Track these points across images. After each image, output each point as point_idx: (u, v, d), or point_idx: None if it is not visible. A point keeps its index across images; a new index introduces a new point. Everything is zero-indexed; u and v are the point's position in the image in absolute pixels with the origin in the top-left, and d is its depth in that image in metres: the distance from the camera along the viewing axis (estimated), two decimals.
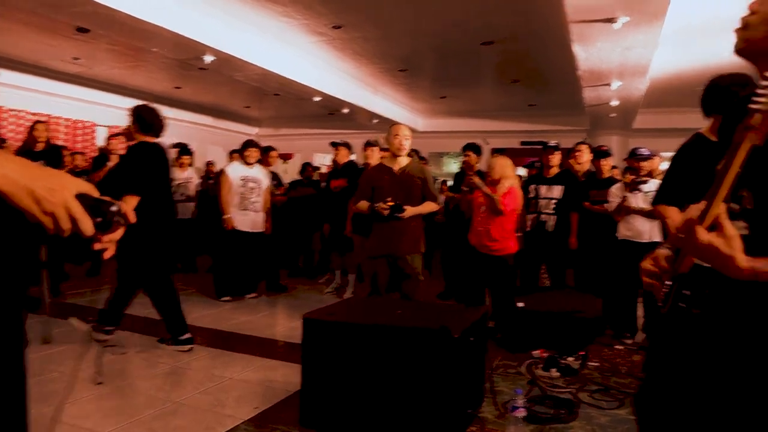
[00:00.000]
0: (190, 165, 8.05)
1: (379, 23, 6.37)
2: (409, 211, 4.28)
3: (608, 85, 7.47)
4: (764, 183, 1.27)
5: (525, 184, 5.73)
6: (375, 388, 2.87)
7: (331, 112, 10.94)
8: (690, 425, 1.43)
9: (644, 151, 5.01)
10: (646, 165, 4.99)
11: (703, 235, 1.12)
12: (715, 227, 1.12)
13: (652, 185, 4.88)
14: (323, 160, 11.46)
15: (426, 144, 10.76)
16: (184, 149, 7.98)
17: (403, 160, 4.42)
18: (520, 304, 4.72)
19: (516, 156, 8.75)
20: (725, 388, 1.35)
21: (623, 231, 4.97)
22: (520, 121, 11.86)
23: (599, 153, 5.66)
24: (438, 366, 2.77)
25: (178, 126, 11.95)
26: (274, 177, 7.27)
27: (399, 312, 3.25)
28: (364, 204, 4.41)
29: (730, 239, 1.11)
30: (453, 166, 12.57)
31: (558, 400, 3.62)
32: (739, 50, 1.37)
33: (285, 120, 13.56)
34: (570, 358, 4.34)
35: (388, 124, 11.40)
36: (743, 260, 1.12)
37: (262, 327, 5.24)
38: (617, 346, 4.96)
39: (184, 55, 7.09)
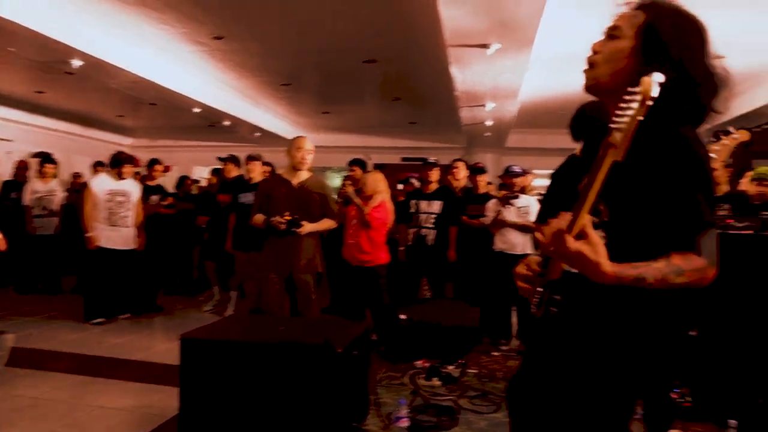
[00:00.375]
0: (55, 176, 7.42)
1: (261, 37, 6.30)
2: (307, 227, 4.15)
3: (483, 106, 7.91)
4: (618, 197, 1.40)
5: (406, 199, 5.90)
6: (258, 407, 2.80)
7: (211, 124, 10.59)
8: (552, 419, 1.54)
9: (517, 169, 5.35)
10: (518, 181, 5.33)
11: (572, 243, 1.22)
12: (582, 236, 1.23)
13: (525, 201, 5.25)
14: (203, 173, 11.05)
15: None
16: (46, 158, 7.35)
17: (303, 174, 4.32)
18: (403, 317, 4.83)
19: (397, 171, 9.03)
20: (580, 380, 1.48)
21: (498, 244, 5.27)
22: (401, 137, 12.20)
23: (475, 170, 5.96)
24: (322, 381, 2.76)
25: (40, 133, 10.99)
26: (160, 190, 6.92)
27: (282, 328, 3.20)
28: (259, 218, 4.25)
29: (595, 246, 1.23)
30: (336, 180, 12.64)
31: (440, 408, 3.74)
32: (588, 87, 1.54)
33: (162, 131, 12.92)
34: (451, 367, 4.50)
35: (270, 138, 11.27)
36: (608, 266, 1.24)
37: (135, 350, 4.92)
38: (494, 353, 5.22)
39: (47, 57, 6.53)
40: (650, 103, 1.13)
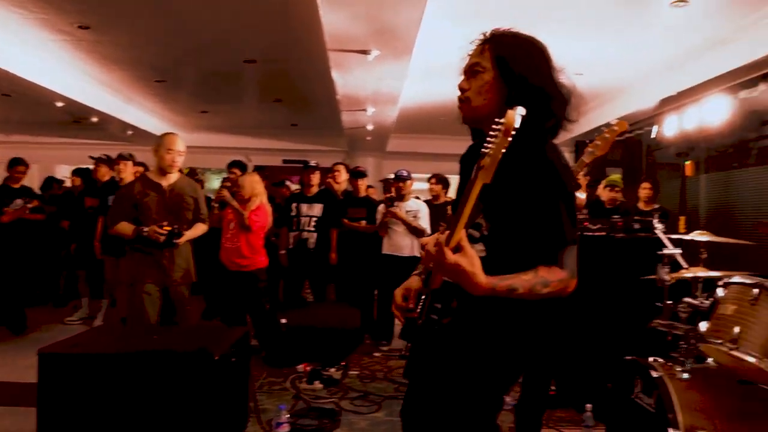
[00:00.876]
0: None
1: (133, 29, 5.94)
2: (185, 235, 3.85)
3: (364, 110, 8.03)
4: (495, 213, 1.54)
5: (286, 202, 5.84)
6: (130, 422, 2.64)
7: (76, 120, 9.80)
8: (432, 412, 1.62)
9: (404, 173, 5.49)
10: (407, 185, 5.47)
11: (450, 256, 1.31)
12: (459, 249, 1.33)
13: (414, 204, 5.42)
14: (67, 172, 10.19)
15: (186, 159, 10.26)
16: None
17: (173, 176, 3.93)
18: (283, 321, 4.78)
19: (278, 174, 8.91)
20: (456, 377, 1.57)
21: (386, 247, 5.40)
22: (282, 139, 12.06)
23: (355, 173, 6.04)
24: (198, 390, 2.66)
25: None
26: (26, 192, 6.23)
27: (155, 337, 3.05)
28: (126, 227, 3.77)
29: (471, 259, 1.33)
30: (215, 182, 12.22)
31: (322, 411, 3.75)
32: (466, 120, 1.67)
33: (18, 125, 11.71)
34: (332, 369, 4.53)
35: (143, 136, 10.63)
36: (483, 277, 1.34)
37: None
38: (375, 354, 5.32)
39: None
40: (513, 133, 1.26)
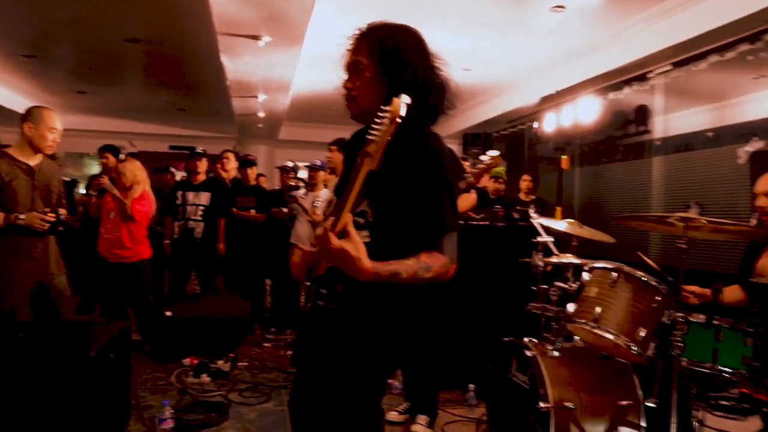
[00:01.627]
0: None
1: None
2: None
3: (255, 97, 7.83)
4: (380, 199, 1.57)
5: (172, 190, 5.59)
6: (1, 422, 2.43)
7: None
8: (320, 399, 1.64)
9: (317, 162, 5.39)
10: (320, 175, 5.35)
11: (335, 241, 1.33)
12: (344, 235, 1.34)
13: (325, 194, 5.36)
14: None
15: (62, 143, 9.52)
16: None
17: (38, 157, 3.47)
18: (168, 313, 4.59)
19: (165, 160, 8.48)
20: (341, 361, 1.60)
21: (293, 237, 5.32)
22: (169, 124, 11.48)
23: (245, 162, 5.91)
24: (73, 389, 2.50)
25: None
26: None
27: (21, 336, 2.82)
28: None
29: (356, 245, 1.35)
30: (95, 168, 11.44)
31: (209, 405, 3.67)
32: (355, 117, 1.68)
33: None
34: (220, 362, 4.43)
35: (7, 116, 9.66)
36: (367, 262, 1.37)
37: None
38: (265, 344, 5.27)
39: None
40: (399, 120, 1.30)
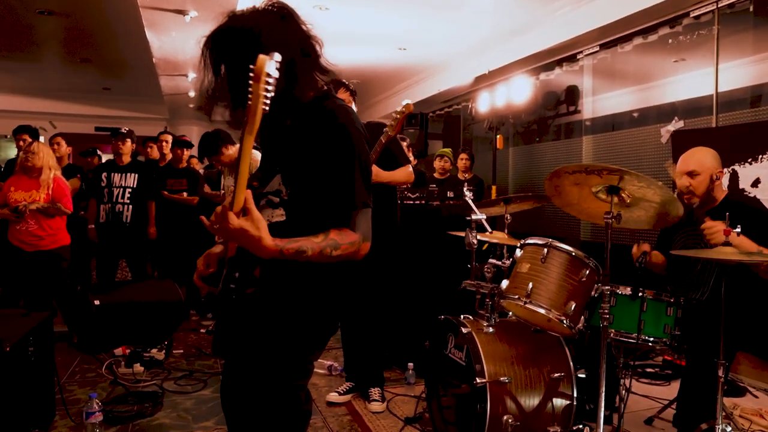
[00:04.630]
0: None
1: None
2: None
3: (185, 75, 7.55)
4: (292, 179, 1.52)
5: (95, 172, 5.32)
6: None
7: None
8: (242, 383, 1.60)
9: None
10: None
11: (234, 220, 1.27)
12: (245, 213, 1.29)
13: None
14: None
15: None
16: None
17: None
18: (96, 302, 4.39)
19: (91, 142, 8.06)
20: (260, 345, 1.56)
21: None
22: (94, 104, 10.90)
23: (180, 142, 5.69)
24: None
25: None
26: None
27: None
28: None
29: (257, 222, 1.29)
30: (12, 151, 10.76)
31: (142, 395, 3.55)
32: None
33: None
34: (154, 350, 4.29)
35: None
36: (269, 240, 1.32)
37: None
38: (202, 330, 5.14)
39: None
40: (269, 79, 1.23)
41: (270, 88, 1.24)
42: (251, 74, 1.22)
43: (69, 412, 3.12)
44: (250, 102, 1.24)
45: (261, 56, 1.22)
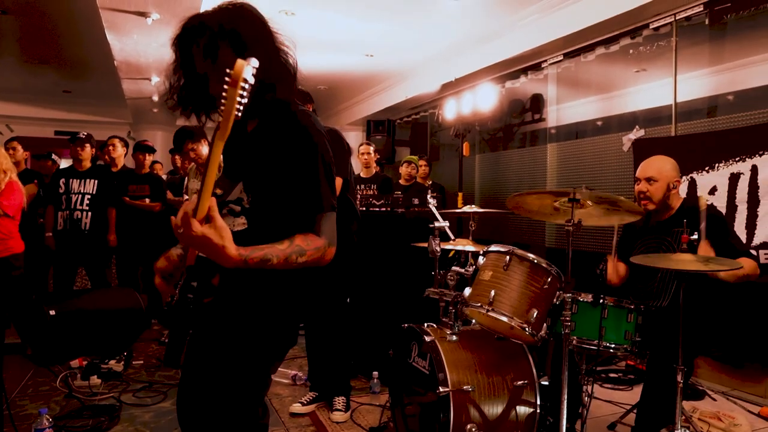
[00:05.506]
0: None
1: None
2: None
3: (148, 79, 7.40)
4: (254, 186, 1.49)
5: (53, 178, 5.16)
6: None
7: None
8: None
9: None
10: None
11: (197, 227, 1.23)
12: (208, 220, 1.24)
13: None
14: None
15: None
16: None
17: None
18: (52, 312, 4.24)
19: (50, 146, 7.82)
20: (219, 356, 1.52)
21: None
22: (53, 108, 10.60)
23: (142, 147, 5.57)
24: None
25: None
26: None
27: None
28: None
29: (220, 230, 1.25)
30: None
31: (98, 408, 3.45)
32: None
33: None
34: (113, 361, 4.17)
35: None
36: (233, 249, 1.27)
37: None
38: (164, 340, 5.01)
39: None
40: (245, 84, 1.21)
41: (245, 93, 1.21)
42: (228, 78, 1.19)
43: (17, 430, 3.00)
44: (223, 107, 1.21)
45: (239, 61, 1.19)
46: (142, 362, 4.41)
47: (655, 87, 5.93)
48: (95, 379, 3.91)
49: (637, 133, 4.74)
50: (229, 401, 1.49)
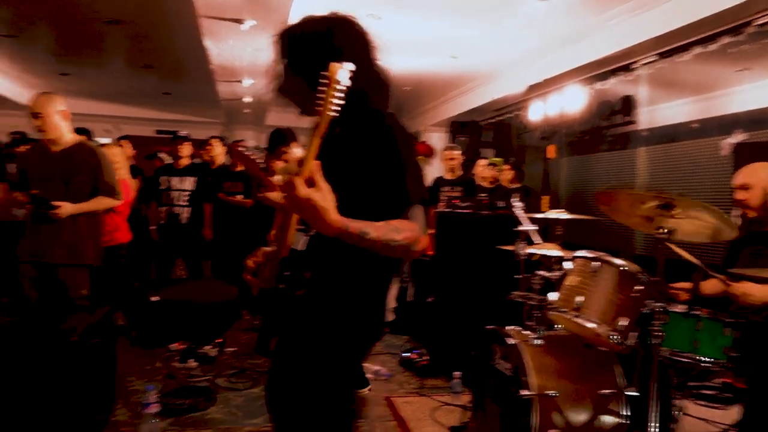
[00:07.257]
0: None
1: None
2: (67, 208, 3.21)
3: (240, 82, 7.75)
4: (340, 186, 1.43)
5: (155, 175, 5.54)
6: None
7: None
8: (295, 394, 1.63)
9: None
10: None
11: (303, 188, 1.25)
12: (312, 184, 1.27)
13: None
14: None
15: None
16: None
17: (67, 137, 3.40)
18: (155, 298, 4.58)
19: (152, 145, 8.40)
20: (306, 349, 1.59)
21: None
22: (155, 108, 11.35)
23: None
24: (57, 373, 2.50)
25: None
26: None
27: (9, 319, 2.81)
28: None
29: (324, 194, 1.27)
30: None
31: (195, 390, 3.69)
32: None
33: None
34: (207, 347, 4.43)
35: None
36: (336, 215, 1.29)
37: None
38: (257, 323, 5.26)
39: None
40: (340, 86, 1.28)
41: (340, 95, 1.28)
42: (322, 80, 1.27)
43: (129, 401, 3.28)
44: (320, 108, 1.29)
45: (333, 64, 1.28)
46: (235, 349, 4.66)
47: (760, 87, 5.59)
48: (192, 363, 4.17)
49: (738, 137, 4.50)
50: (316, 391, 1.55)
